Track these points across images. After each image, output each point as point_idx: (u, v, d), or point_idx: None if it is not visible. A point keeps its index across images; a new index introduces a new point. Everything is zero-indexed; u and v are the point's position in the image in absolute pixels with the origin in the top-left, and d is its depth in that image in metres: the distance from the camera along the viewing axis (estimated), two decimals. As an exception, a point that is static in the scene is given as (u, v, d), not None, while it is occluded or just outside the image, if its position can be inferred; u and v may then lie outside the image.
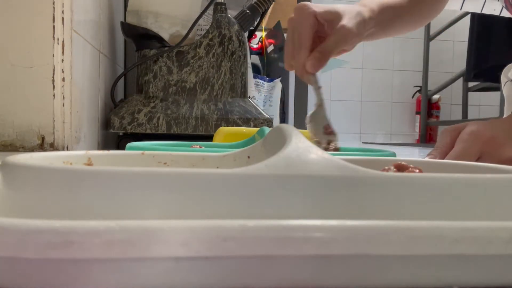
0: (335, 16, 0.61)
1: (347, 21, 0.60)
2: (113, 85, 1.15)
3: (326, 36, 0.61)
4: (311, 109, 0.60)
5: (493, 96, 2.90)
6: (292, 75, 1.77)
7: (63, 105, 0.80)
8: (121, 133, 1.12)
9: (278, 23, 1.73)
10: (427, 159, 0.50)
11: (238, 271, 0.20)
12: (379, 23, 0.68)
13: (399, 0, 0.72)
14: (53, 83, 0.78)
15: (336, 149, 0.54)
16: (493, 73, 2.07)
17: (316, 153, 0.23)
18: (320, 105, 0.59)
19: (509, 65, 1.00)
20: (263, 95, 1.60)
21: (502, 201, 0.24)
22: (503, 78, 1.01)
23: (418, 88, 3.24)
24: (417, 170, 0.31)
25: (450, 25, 2.83)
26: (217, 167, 0.34)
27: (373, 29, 0.68)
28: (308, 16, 0.60)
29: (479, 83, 2.64)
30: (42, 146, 0.78)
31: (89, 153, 0.32)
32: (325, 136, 0.56)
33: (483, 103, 3.37)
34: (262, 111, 1.13)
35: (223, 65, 1.13)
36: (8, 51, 0.77)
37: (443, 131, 0.55)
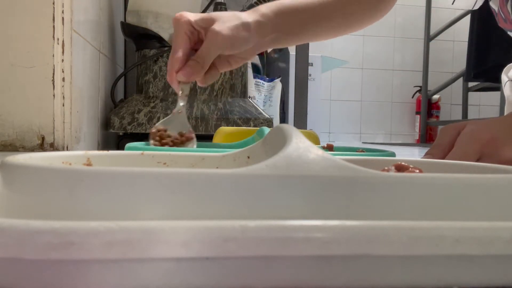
0: (209, 23, 0.60)
1: (218, 25, 0.60)
2: (113, 85, 1.15)
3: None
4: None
5: (493, 96, 2.90)
6: (292, 75, 1.77)
7: (63, 105, 0.80)
8: (121, 133, 1.12)
9: (278, 23, 1.73)
10: (425, 158, 0.49)
11: (239, 271, 0.20)
12: (279, 27, 0.66)
13: (308, 4, 0.69)
14: (53, 83, 0.78)
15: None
16: (493, 73, 2.07)
17: (316, 153, 0.23)
18: (180, 112, 0.60)
19: (509, 64, 1.00)
20: (263, 95, 1.60)
21: (503, 201, 0.24)
22: (503, 78, 1.01)
23: (418, 88, 3.24)
24: (417, 171, 0.31)
25: (450, 25, 2.83)
26: (217, 167, 0.34)
27: (274, 34, 0.66)
28: (183, 24, 0.59)
29: (479, 83, 2.64)
30: (42, 146, 0.78)
31: (88, 153, 0.32)
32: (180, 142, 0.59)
33: (483, 103, 3.37)
34: (262, 111, 1.13)
35: (223, 65, 1.13)
36: (8, 51, 0.77)
37: (443, 130, 0.55)
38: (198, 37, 0.61)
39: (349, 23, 0.74)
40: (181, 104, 0.60)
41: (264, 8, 0.65)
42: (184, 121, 0.60)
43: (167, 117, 0.60)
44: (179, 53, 0.59)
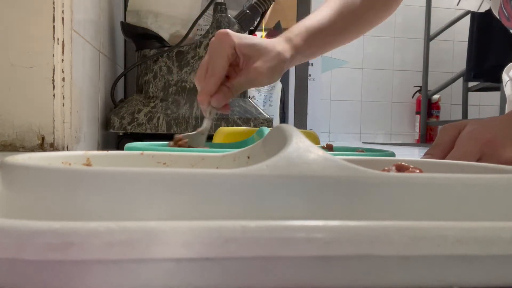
0: (253, 54, 0.61)
1: (262, 64, 0.61)
2: (113, 85, 1.15)
3: (240, 70, 0.62)
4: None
5: (493, 96, 2.90)
6: (292, 75, 1.77)
7: (63, 105, 0.80)
8: (121, 133, 1.12)
9: (278, 23, 1.73)
10: (425, 158, 0.49)
11: (240, 272, 0.20)
12: (307, 54, 0.69)
13: (328, 20, 0.70)
14: (53, 83, 0.78)
15: None
16: (493, 73, 2.07)
17: (316, 153, 0.23)
18: (202, 133, 0.61)
19: (510, 64, 1.00)
20: (263, 95, 1.60)
21: (503, 201, 0.24)
22: (504, 77, 1.01)
23: (418, 88, 3.24)
24: (417, 171, 0.31)
25: (450, 25, 2.83)
26: (217, 167, 0.34)
27: (300, 60, 0.69)
28: (227, 46, 0.60)
29: (479, 83, 2.64)
30: (42, 146, 0.78)
31: (88, 153, 0.32)
32: None
33: (483, 103, 3.37)
34: (262, 111, 1.13)
35: (223, 65, 1.12)
36: (8, 51, 0.77)
37: (443, 129, 0.55)
38: (236, 60, 0.62)
39: (363, 30, 0.77)
40: (205, 125, 0.62)
41: (298, 38, 0.66)
42: (203, 140, 0.62)
43: (191, 133, 0.62)
44: (216, 78, 0.60)
